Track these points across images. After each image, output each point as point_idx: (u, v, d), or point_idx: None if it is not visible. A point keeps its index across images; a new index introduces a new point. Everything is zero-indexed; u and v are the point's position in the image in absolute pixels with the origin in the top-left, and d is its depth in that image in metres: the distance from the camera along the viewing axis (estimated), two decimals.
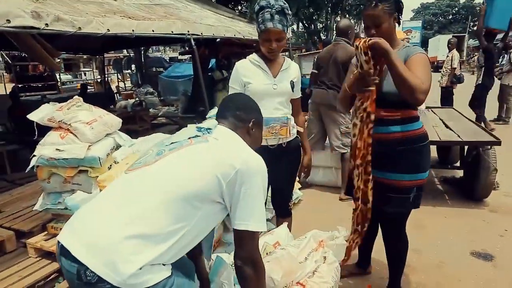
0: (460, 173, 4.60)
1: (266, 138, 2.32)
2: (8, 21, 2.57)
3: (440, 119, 4.90)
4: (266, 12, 2.20)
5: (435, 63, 22.68)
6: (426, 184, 4.55)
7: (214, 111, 3.85)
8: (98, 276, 1.14)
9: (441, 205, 4.01)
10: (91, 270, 1.15)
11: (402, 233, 2.29)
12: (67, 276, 1.25)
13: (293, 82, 2.39)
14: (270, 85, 2.31)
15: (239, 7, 10.05)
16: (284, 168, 2.48)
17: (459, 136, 3.91)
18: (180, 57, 20.13)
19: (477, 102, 7.25)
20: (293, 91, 2.39)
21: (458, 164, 4.63)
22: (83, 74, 23.06)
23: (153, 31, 4.07)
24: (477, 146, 3.81)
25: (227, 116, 1.56)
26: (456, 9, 52.04)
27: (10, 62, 11.71)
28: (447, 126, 4.44)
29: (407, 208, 2.15)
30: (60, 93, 11.98)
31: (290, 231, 2.66)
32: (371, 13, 1.94)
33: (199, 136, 1.43)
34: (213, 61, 10.09)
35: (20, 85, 11.11)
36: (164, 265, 1.23)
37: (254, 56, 2.38)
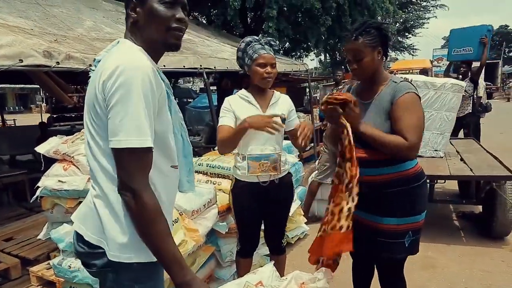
0: (480, 208, 4.37)
1: (257, 175, 2.32)
2: (21, 60, 2.78)
3: (456, 151, 4.72)
4: (255, 44, 2.29)
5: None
6: (441, 219, 4.43)
7: None
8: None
9: (456, 242, 3.81)
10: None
11: (400, 277, 2.12)
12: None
13: (284, 116, 2.35)
14: None
15: (260, 35, 10.30)
16: (276, 204, 2.46)
17: (471, 170, 3.74)
18: None
19: None
20: (284, 123, 2.37)
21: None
22: None
23: (164, 66, 4.24)
24: (491, 181, 3.63)
25: (126, 14, 1.30)
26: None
27: (47, 94, 12.49)
28: (462, 159, 4.28)
29: (402, 254, 1.97)
30: None
31: (284, 268, 2.63)
32: (351, 47, 1.85)
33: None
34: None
35: (54, 116, 11.74)
36: None
37: (243, 92, 2.39)
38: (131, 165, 1.09)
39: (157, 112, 1.17)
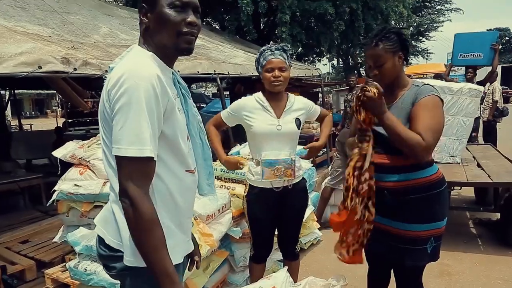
0: (497, 215, 4.28)
1: (271, 181, 2.32)
2: (40, 67, 2.84)
3: (473, 157, 4.64)
4: (266, 51, 2.34)
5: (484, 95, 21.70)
6: (458, 226, 4.35)
7: (237, 148, 3.93)
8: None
9: (472, 250, 3.74)
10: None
11: (418, 284, 2.09)
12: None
13: (299, 119, 2.38)
14: (274, 126, 2.31)
15: (272, 42, 10.36)
16: (290, 210, 2.46)
17: (489, 177, 3.67)
18: None
19: None
20: (299, 128, 2.38)
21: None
22: None
23: (178, 71, 4.27)
24: (510, 188, 3.55)
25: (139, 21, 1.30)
26: (507, 38, 50.08)
27: (62, 99, 12.73)
28: (479, 165, 4.20)
29: (424, 261, 1.95)
30: None
31: (297, 274, 2.61)
32: (371, 53, 1.85)
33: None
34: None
35: (70, 120, 11.92)
36: None
37: (259, 95, 2.41)
38: (129, 173, 1.08)
39: (165, 118, 1.17)
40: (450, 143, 4.26)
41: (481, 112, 7.71)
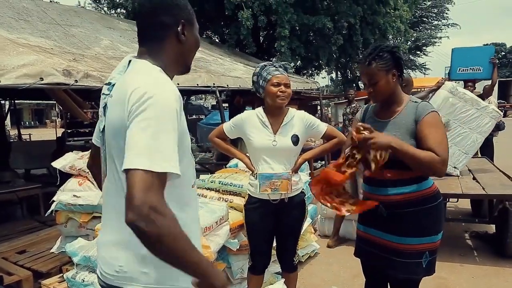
0: (493, 228, 4.31)
1: (268, 193, 2.36)
2: (41, 79, 2.89)
3: (469, 170, 4.69)
4: (270, 66, 2.39)
5: None
6: (454, 239, 4.36)
7: (235, 160, 3.96)
8: None
9: (469, 262, 3.74)
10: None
11: None
12: None
13: (297, 135, 2.40)
14: (270, 141, 2.35)
15: (274, 59, 10.49)
16: (287, 222, 2.48)
17: (483, 189, 3.71)
18: None
19: None
20: (296, 144, 2.40)
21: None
22: None
23: (178, 84, 4.34)
24: (503, 200, 3.59)
25: (145, 30, 1.23)
26: (503, 53, 50.67)
27: (62, 109, 12.74)
28: (474, 178, 4.24)
29: (419, 275, 1.96)
30: None
31: (295, 286, 2.62)
32: (365, 71, 1.88)
33: (105, 105, 1.19)
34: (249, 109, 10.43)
35: (69, 131, 11.95)
36: None
37: (260, 111, 2.45)
38: (149, 187, 0.97)
39: (181, 133, 1.14)
40: (458, 154, 4.29)
41: None
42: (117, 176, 1.15)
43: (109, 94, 1.17)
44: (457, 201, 4.74)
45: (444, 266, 3.59)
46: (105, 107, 1.17)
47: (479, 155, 6.57)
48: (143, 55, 1.21)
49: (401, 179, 1.88)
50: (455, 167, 4.30)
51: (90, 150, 1.46)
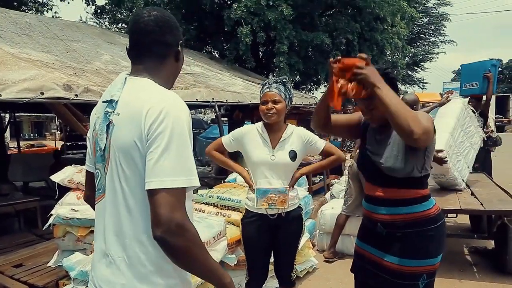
0: (492, 244, 4.30)
1: (265, 208, 2.37)
2: (42, 93, 2.92)
3: (466, 185, 4.69)
4: (265, 86, 2.46)
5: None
6: (453, 254, 4.35)
7: (233, 175, 3.97)
8: None
9: (468, 278, 3.72)
10: None
11: None
12: None
13: (294, 151, 2.42)
14: (268, 156, 2.38)
15: (273, 74, 10.59)
16: (284, 237, 2.48)
17: (482, 205, 3.71)
18: None
19: None
20: (294, 160, 2.42)
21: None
22: None
23: None
24: (502, 216, 3.60)
25: (147, 47, 1.24)
26: (500, 69, 51.24)
27: (61, 122, 12.85)
28: (472, 193, 4.25)
29: None
30: None
31: None
32: (360, 100, 1.80)
33: (109, 123, 1.19)
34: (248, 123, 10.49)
35: (68, 143, 12.00)
36: None
37: (260, 125, 2.49)
38: (173, 203, 1.05)
39: None
40: (465, 168, 4.38)
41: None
42: (121, 194, 1.16)
43: (113, 112, 1.17)
44: (456, 217, 4.74)
45: (443, 282, 3.57)
46: (108, 125, 1.17)
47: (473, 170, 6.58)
48: (141, 72, 1.22)
49: (399, 199, 1.85)
50: (463, 180, 4.35)
51: (85, 180, 1.42)
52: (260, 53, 11.15)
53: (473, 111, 5.81)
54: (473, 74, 6.07)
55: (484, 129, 7.28)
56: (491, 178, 5.18)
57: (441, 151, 3.81)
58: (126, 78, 1.22)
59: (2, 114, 9.06)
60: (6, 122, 10.19)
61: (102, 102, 1.20)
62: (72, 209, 2.82)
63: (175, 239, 1.03)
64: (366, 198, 2.01)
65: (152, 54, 1.24)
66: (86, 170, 1.38)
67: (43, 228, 2.93)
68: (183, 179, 1.07)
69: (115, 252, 1.18)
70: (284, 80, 2.48)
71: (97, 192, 1.26)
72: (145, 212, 1.12)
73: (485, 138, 6.86)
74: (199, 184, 1.11)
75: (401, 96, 3.80)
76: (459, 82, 6.97)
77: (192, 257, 1.09)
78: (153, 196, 1.05)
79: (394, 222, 1.86)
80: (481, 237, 4.21)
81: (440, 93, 16.40)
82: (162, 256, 1.12)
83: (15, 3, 11.30)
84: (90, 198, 1.37)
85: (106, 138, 1.18)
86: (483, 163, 7.56)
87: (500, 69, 52.81)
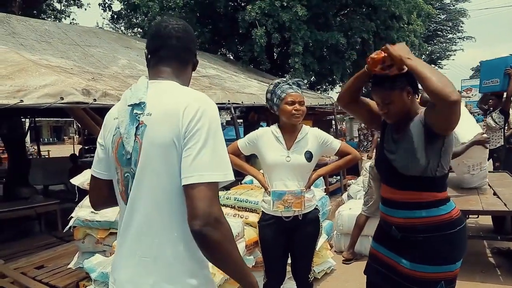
0: None
1: (280, 211, 2.36)
2: (62, 98, 2.98)
3: (489, 184, 4.57)
4: (283, 84, 2.41)
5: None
6: (475, 255, 4.24)
7: (250, 176, 3.96)
8: None
9: (491, 281, 3.63)
10: None
11: None
12: None
13: (310, 152, 2.40)
14: (283, 157, 2.37)
15: (288, 75, 10.56)
16: (301, 239, 2.46)
17: (505, 205, 3.60)
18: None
19: None
20: (310, 161, 2.40)
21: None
22: None
23: None
24: None
25: (173, 54, 1.29)
26: None
27: (80, 126, 13.11)
28: (495, 193, 4.14)
29: None
30: None
31: None
32: (378, 92, 1.82)
33: (139, 124, 1.20)
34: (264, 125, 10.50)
35: (86, 147, 12.21)
36: None
37: (275, 128, 2.48)
38: (212, 197, 1.10)
39: None
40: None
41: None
42: (150, 194, 1.17)
43: (142, 113, 1.18)
44: (477, 217, 4.62)
45: (465, 284, 3.48)
46: (138, 126, 1.18)
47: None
48: (165, 75, 1.27)
49: (415, 202, 1.78)
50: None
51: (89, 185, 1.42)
52: (275, 54, 11.14)
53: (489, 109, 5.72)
54: (493, 70, 5.93)
55: (506, 127, 7.10)
56: None
57: (483, 133, 3.85)
58: (147, 82, 1.25)
59: (22, 120, 9.28)
60: (27, 127, 10.45)
61: (128, 105, 1.20)
62: (92, 212, 2.86)
63: (212, 233, 1.06)
64: (382, 200, 1.96)
65: (178, 58, 1.30)
66: (92, 176, 1.37)
67: (64, 231, 2.99)
68: (220, 173, 1.11)
69: (142, 253, 1.18)
70: (300, 82, 2.47)
71: (119, 194, 1.27)
72: (175, 210, 1.15)
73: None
74: (234, 179, 1.15)
75: (420, 94, 3.73)
76: (478, 79, 6.81)
77: (227, 252, 1.11)
78: (192, 190, 1.08)
79: (410, 226, 1.80)
80: (505, 238, 4.07)
81: (459, 91, 16.05)
82: (190, 255, 1.16)
83: (35, 12, 11.57)
84: (97, 205, 1.43)
85: (135, 140, 1.18)
86: (505, 161, 7.38)
87: None
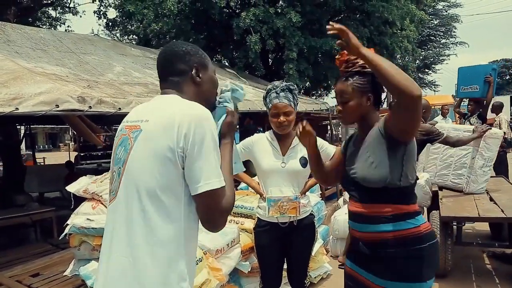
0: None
1: (276, 217, 2.37)
2: (57, 105, 2.99)
3: (485, 190, 4.58)
4: (272, 92, 2.39)
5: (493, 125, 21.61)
6: (471, 259, 4.26)
7: (243, 184, 3.97)
8: None
9: (487, 285, 3.64)
10: None
11: None
12: None
13: (305, 158, 2.38)
14: (278, 163, 2.38)
15: (283, 81, 10.60)
16: (297, 245, 2.47)
17: (502, 211, 3.54)
18: None
19: None
20: (305, 167, 2.39)
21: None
22: None
23: None
24: None
25: (166, 77, 1.37)
26: None
27: (75, 133, 13.06)
28: (491, 199, 4.12)
29: None
30: None
31: None
32: (339, 87, 1.73)
33: (136, 128, 1.28)
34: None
35: (82, 154, 12.17)
36: None
37: (270, 133, 2.50)
38: (219, 202, 1.22)
39: None
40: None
41: None
42: (136, 197, 1.21)
43: (141, 120, 1.28)
44: (473, 223, 4.61)
45: None
46: (134, 130, 1.27)
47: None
48: (171, 92, 1.34)
49: (380, 216, 1.67)
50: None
51: (103, 174, 1.55)
52: (269, 60, 11.19)
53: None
54: (472, 77, 6.13)
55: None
56: (510, 182, 5.04)
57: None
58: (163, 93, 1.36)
59: (17, 127, 9.25)
60: (22, 135, 10.41)
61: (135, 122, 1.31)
62: (88, 219, 2.86)
63: (224, 224, 1.26)
64: (349, 215, 1.85)
65: (171, 81, 1.36)
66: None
67: (59, 238, 2.98)
68: (222, 179, 1.22)
69: (120, 254, 1.22)
70: (291, 87, 2.40)
71: (111, 194, 1.31)
72: (157, 213, 1.19)
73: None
74: (224, 184, 1.24)
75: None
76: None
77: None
78: (205, 198, 1.19)
79: (377, 241, 1.70)
80: (502, 245, 4.01)
81: (452, 95, 16.18)
82: (176, 258, 1.20)
83: (30, 19, 11.58)
84: None
85: (128, 142, 1.26)
86: (499, 166, 7.45)
87: None
